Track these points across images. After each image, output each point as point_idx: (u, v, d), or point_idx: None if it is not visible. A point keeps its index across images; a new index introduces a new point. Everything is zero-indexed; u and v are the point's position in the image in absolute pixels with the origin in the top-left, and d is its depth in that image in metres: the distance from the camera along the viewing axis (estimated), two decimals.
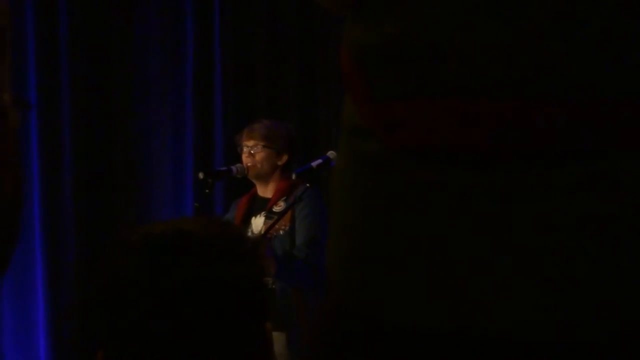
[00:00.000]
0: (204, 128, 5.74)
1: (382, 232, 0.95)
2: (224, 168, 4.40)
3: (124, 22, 5.75)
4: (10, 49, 0.96)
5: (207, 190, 4.35)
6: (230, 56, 5.71)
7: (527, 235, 0.88)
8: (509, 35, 0.87)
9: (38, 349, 5.66)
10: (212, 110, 5.73)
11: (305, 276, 3.97)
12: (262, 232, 4.03)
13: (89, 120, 5.74)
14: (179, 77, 5.77)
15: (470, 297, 0.89)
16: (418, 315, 0.92)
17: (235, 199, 4.42)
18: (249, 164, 4.22)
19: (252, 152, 4.22)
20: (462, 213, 0.90)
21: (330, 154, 4.15)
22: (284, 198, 4.15)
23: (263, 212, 4.17)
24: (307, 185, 4.08)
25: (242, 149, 4.27)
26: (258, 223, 4.18)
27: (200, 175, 4.31)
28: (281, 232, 4.02)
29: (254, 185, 4.30)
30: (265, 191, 4.25)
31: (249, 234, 4.09)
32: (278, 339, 3.75)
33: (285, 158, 4.23)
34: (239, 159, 4.29)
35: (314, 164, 4.10)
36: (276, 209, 4.12)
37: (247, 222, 4.19)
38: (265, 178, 4.23)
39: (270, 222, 4.06)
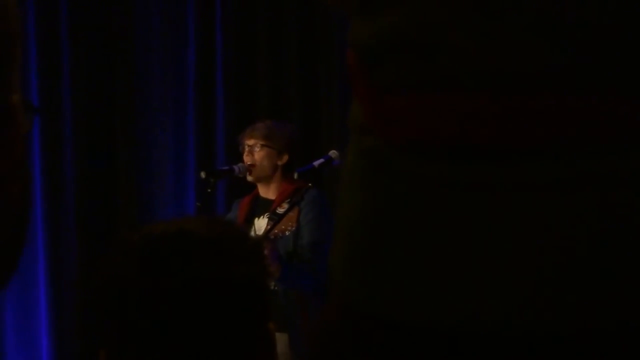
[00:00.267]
0: (205, 127, 5.74)
1: (382, 230, 0.95)
2: (226, 167, 4.40)
3: (125, 23, 5.75)
4: (21, 53, 0.97)
5: (208, 190, 4.35)
6: (231, 56, 5.71)
7: (528, 230, 0.88)
8: (499, 30, 0.87)
9: (40, 347, 5.67)
10: (213, 110, 5.73)
11: (307, 281, 3.97)
12: (265, 233, 4.03)
13: (90, 120, 5.74)
14: (181, 77, 5.77)
15: (473, 293, 0.89)
16: (420, 312, 0.92)
17: (237, 199, 4.42)
18: (249, 163, 4.22)
19: (252, 151, 4.22)
20: (462, 208, 0.90)
21: (332, 153, 4.15)
22: (288, 200, 4.14)
23: (267, 214, 4.16)
24: (309, 185, 4.08)
25: (243, 148, 4.27)
26: (261, 224, 4.17)
27: (202, 175, 4.31)
28: (287, 233, 4.02)
29: (255, 186, 4.30)
30: (268, 192, 4.24)
31: (252, 234, 4.09)
32: (280, 340, 3.75)
33: (285, 158, 4.22)
34: (240, 159, 4.29)
35: (316, 163, 4.10)
36: (280, 210, 4.11)
37: (249, 223, 4.19)
38: (266, 179, 4.23)
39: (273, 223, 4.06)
